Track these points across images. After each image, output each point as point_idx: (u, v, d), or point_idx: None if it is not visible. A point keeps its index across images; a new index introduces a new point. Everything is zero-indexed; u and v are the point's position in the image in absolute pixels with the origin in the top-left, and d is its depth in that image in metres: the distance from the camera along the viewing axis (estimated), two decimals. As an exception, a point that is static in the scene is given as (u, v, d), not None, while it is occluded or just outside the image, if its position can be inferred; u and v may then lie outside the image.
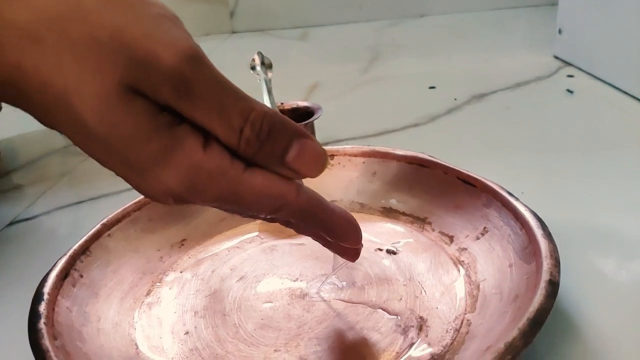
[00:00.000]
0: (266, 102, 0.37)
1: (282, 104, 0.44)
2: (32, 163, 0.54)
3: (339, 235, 0.24)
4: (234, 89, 0.20)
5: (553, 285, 0.23)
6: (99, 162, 0.20)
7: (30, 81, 0.19)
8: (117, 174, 0.21)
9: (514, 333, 0.21)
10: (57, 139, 0.61)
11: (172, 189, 0.20)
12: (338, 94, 0.62)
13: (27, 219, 0.43)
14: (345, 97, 0.62)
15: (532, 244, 0.26)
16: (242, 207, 0.21)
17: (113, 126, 0.19)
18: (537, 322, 0.21)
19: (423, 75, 0.64)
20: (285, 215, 0.22)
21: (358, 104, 0.60)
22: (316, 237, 0.26)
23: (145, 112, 0.19)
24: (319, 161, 0.21)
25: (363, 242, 0.33)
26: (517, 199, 0.29)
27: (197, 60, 0.19)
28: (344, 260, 0.27)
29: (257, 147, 0.20)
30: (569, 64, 0.61)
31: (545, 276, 0.23)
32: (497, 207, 0.30)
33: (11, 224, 0.42)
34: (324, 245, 0.26)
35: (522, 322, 0.21)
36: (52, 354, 0.22)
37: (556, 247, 0.25)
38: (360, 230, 0.25)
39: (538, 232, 0.26)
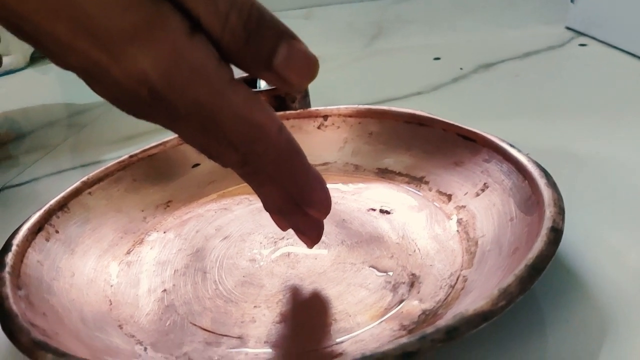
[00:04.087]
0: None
1: None
2: (28, 135, 0.53)
3: (309, 195, 0.22)
4: None
5: (556, 232, 0.21)
6: (59, 43, 0.17)
7: None
8: (81, 64, 0.17)
9: (509, 279, 0.19)
10: (56, 112, 0.60)
11: (148, 75, 0.17)
12: (340, 66, 0.60)
13: (16, 185, 0.42)
14: (347, 69, 0.60)
15: (534, 194, 0.24)
16: (217, 127, 0.18)
17: None
18: (536, 268, 0.19)
19: (428, 47, 0.62)
20: (260, 153, 0.20)
21: (360, 75, 0.58)
22: (280, 201, 0.23)
23: None
24: (310, 67, 0.18)
25: (356, 202, 0.32)
26: (519, 150, 0.27)
27: None
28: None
29: (243, 41, 0.17)
30: (582, 34, 0.59)
31: (547, 223, 0.21)
32: (498, 161, 0.28)
33: (0, 190, 0.41)
34: (283, 217, 0.24)
35: (520, 268, 0.19)
36: (10, 300, 0.21)
37: (561, 196, 0.23)
38: (330, 200, 0.22)
39: (541, 182, 0.24)
